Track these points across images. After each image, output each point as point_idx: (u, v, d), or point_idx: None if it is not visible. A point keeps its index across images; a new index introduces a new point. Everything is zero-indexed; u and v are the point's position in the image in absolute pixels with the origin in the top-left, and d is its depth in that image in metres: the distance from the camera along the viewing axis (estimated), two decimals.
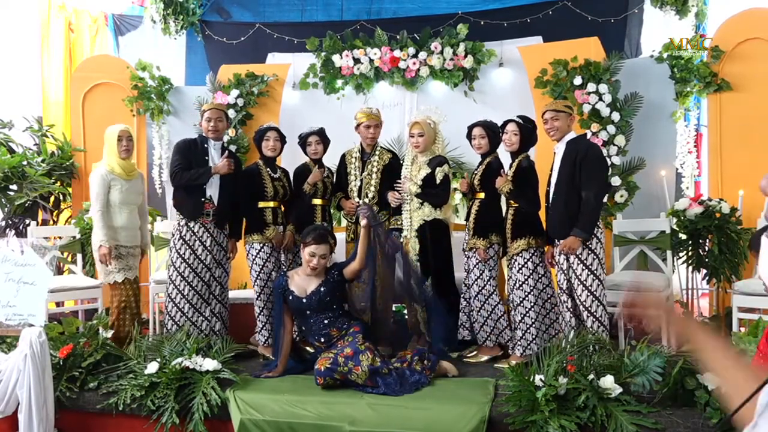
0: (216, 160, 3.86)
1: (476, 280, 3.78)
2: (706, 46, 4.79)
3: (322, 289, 3.38)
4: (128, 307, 3.98)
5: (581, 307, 3.39)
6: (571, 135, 3.51)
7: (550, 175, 3.58)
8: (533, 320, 3.61)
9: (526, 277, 3.62)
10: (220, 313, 3.87)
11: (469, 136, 3.90)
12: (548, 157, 3.70)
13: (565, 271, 3.46)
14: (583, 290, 3.38)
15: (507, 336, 3.75)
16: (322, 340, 3.38)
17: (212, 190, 3.83)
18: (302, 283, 3.43)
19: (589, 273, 3.37)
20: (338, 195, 4.16)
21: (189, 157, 3.81)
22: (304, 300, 3.39)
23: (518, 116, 3.75)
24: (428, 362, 3.34)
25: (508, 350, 3.76)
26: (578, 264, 3.39)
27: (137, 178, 4.11)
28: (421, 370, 3.27)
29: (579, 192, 3.38)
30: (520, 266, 3.63)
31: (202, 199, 3.79)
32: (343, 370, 3.14)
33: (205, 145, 3.87)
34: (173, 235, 3.85)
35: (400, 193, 3.94)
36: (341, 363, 3.15)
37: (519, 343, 3.62)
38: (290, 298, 3.42)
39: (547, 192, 3.59)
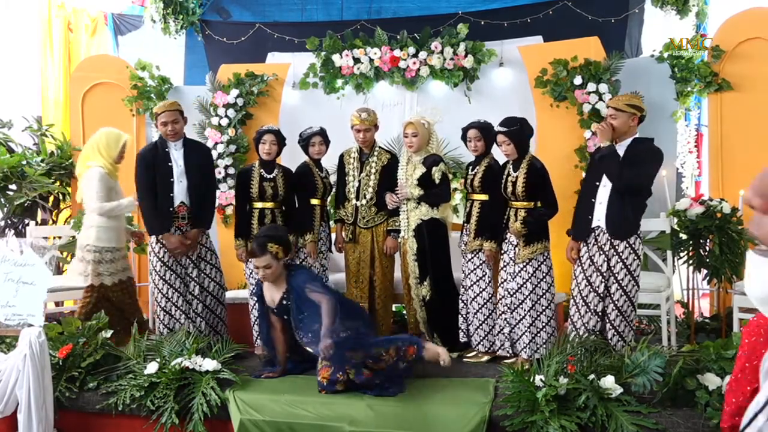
0: (179, 162, 3.81)
1: (477, 281, 3.77)
2: (706, 46, 4.77)
3: (284, 301, 3.35)
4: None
5: (611, 305, 3.30)
6: (634, 135, 3.36)
7: (591, 170, 3.49)
8: (544, 324, 3.58)
9: (539, 280, 3.58)
10: (203, 313, 3.85)
11: (464, 138, 3.88)
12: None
13: (599, 268, 3.33)
14: (617, 289, 3.30)
15: (500, 343, 3.71)
16: (310, 335, 3.35)
17: (182, 196, 3.81)
18: (269, 292, 3.42)
19: (627, 272, 3.28)
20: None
21: (151, 171, 3.76)
22: (275, 309, 3.39)
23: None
24: (414, 355, 3.24)
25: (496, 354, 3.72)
26: (618, 262, 3.28)
27: None
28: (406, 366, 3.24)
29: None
30: (534, 269, 3.58)
31: (172, 210, 3.76)
32: (343, 380, 3.15)
33: (166, 149, 3.82)
34: (151, 239, 3.82)
35: (399, 198, 3.92)
36: (339, 377, 3.15)
37: (528, 345, 3.57)
38: (266, 305, 3.44)
39: (596, 186, 3.40)
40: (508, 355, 3.67)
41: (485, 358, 3.75)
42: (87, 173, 3.93)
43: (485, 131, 3.79)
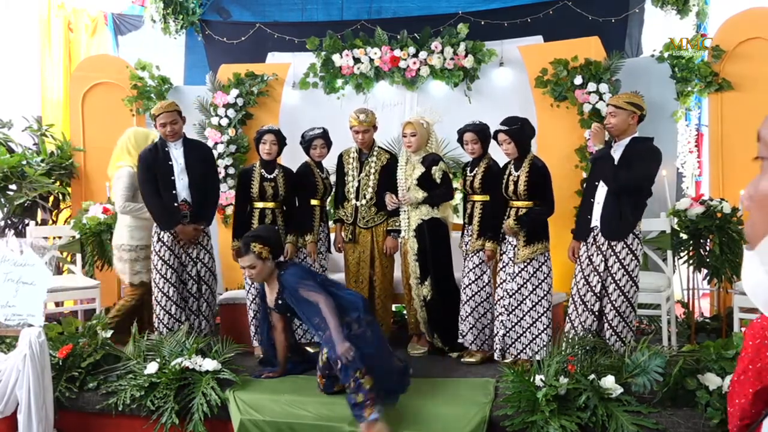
0: (179, 160, 3.84)
1: (476, 280, 3.77)
2: (706, 46, 4.77)
3: (279, 301, 3.34)
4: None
5: (609, 306, 3.29)
6: (633, 135, 3.34)
7: (591, 170, 3.49)
8: (546, 326, 3.56)
9: (540, 281, 3.58)
10: (197, 312, 3.89)
11: (460, 141, 3.87)
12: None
13: (596, 268, 3.33)
14: (615, 289, 3.29)
15: (492, 343, 3.69)
16: (313, 329, 3.33)
17: (184, 193, 3.83)
18: (268, 292, 3.41)
19: (625, 273, 3.27)
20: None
21: (152, 171, 3.79)
22: (275, 308, 3.39)
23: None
24: (365, 406, 2.86)
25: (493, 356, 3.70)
26: (615, 263, 3.27)
27: None
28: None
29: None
30: (534, 270, 3.57)
31: (177, 206, 3.79)
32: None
33: (166, 149, 3.84)
34: (152, 237, 3.85)
35: (402, 203, 3.91)
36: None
37: (528, 346, 3.57)
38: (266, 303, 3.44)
39: (595, 186, 3.40)
40: (497, 360, 3.66)
41: (478, 356, 3.74)
42: (117, 173, 4.06)
43: (481, 133, 3.78)
